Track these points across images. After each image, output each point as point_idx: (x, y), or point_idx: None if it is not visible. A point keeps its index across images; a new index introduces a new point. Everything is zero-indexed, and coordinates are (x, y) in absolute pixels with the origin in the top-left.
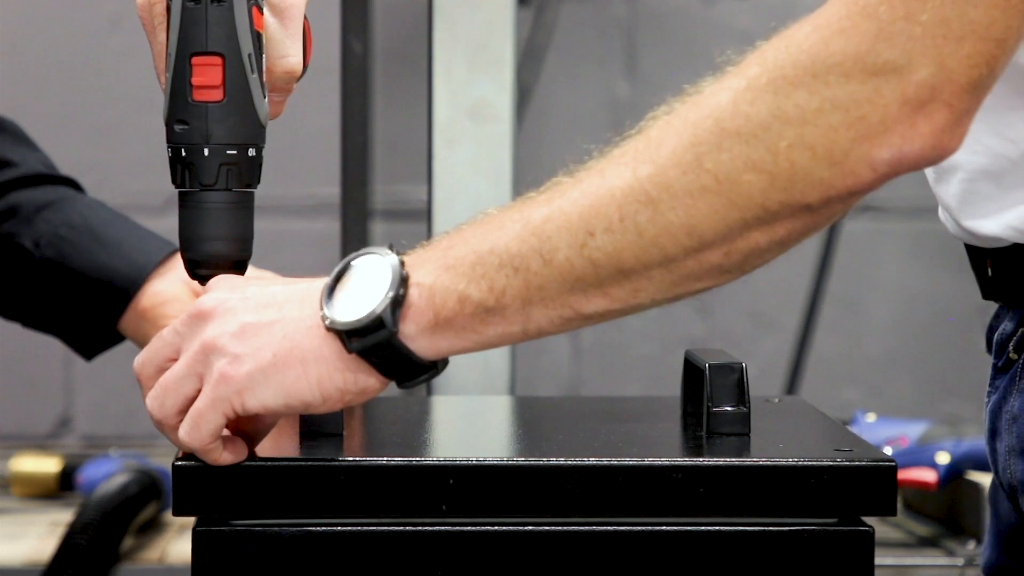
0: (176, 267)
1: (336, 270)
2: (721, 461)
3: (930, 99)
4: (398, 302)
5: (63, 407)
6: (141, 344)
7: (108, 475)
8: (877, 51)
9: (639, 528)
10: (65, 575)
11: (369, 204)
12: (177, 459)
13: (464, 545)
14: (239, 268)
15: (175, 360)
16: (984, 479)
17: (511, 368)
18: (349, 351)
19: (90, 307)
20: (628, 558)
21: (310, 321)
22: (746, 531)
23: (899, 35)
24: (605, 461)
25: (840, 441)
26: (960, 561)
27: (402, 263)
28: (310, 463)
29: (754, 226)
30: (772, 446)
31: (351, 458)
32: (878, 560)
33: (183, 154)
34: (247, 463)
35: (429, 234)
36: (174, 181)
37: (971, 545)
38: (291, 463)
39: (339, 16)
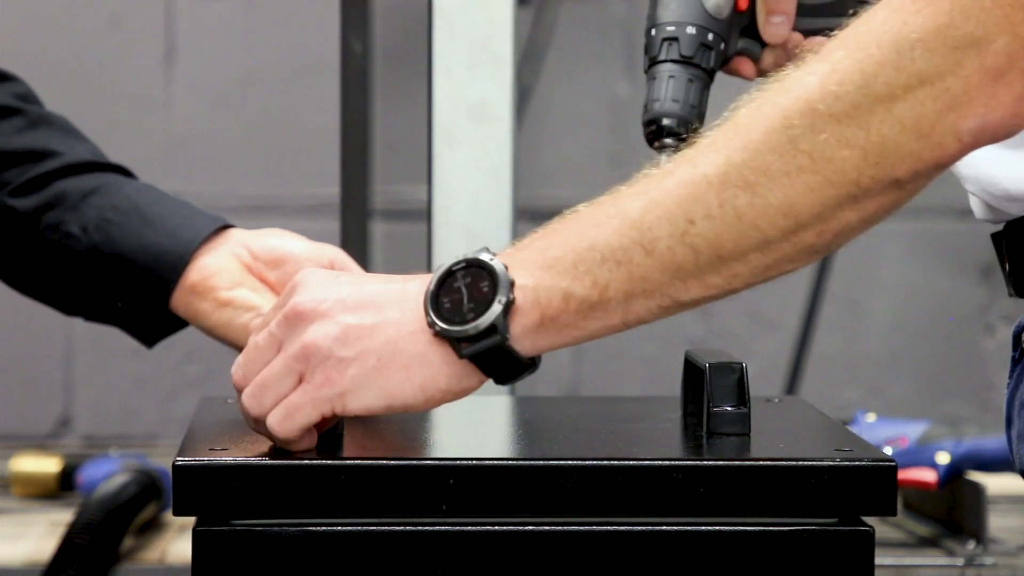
0: (225, 242)
1: (439, 275)
2: (721, 461)
3: (1008, 67)
4: (508, 308)
5: (63, 407)
6: (197, 321)
7: (108, 475)
8: (955, 24)
9: (639, 528)
10: (65, 575)
11: (369, 204)
12: (177, 459)
13: (464, 545)
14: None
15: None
16: (984, 479)
17: None
18: (460, 356)
19: (141, 288)
20: (628, 558)
21: (413, 326)
22: (746, 531)
23: (973, 8)
24: (605, 461)
25: (840, 441)
26: (960, 561)
27: (507, 268)
28: (310, 463)
29: (847, 204)
30: (772, 446)
31: (351, 458)
32: (878, 560)
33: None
34: (247, 463)
35: (429, 234)
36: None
37: (971, 545)
38: (291, 463)
39: (339, 16)
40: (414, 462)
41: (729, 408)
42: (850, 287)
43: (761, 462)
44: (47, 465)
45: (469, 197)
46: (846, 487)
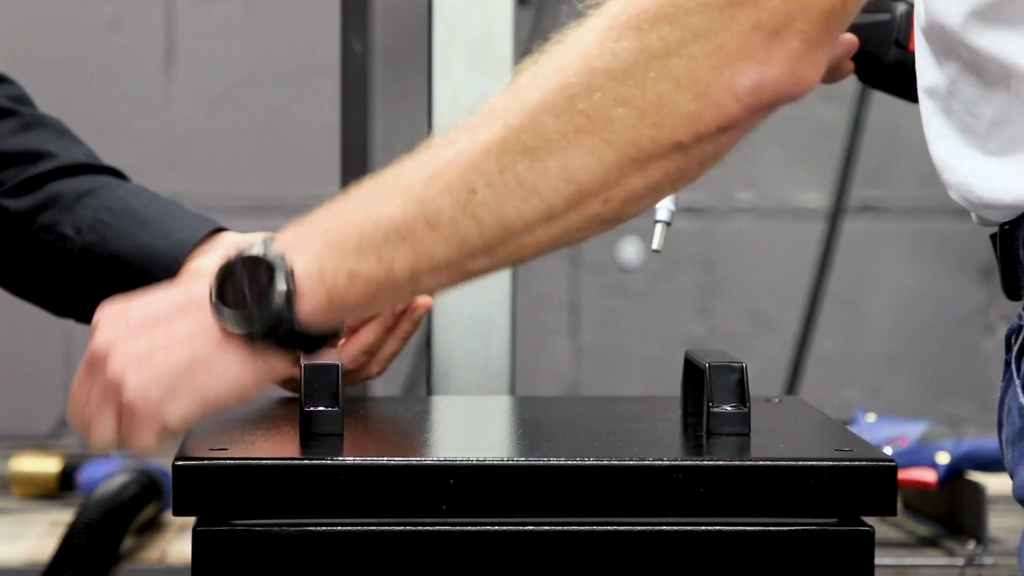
0: (218, 245)
1: (218, 273)
2: (721, 461)
3: (784, 26)
4: (291, 296)
5: (63, 407)
6: None
7: (108, 475)
8: None
9: (639, 528)
10: (65, 575)
11: None
12: (177, 459)
13: (464, 545)
14: None
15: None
16: (984, 479)
17: (511, 368)
18: (256, 348)
19: (135, 288)
20: (628, 558)
21: (205, 330)
22: (746, 531)
23: None
24: (605, 461)
25: (840, 441)
26: (960, 561)
27: (283, 257)
28: (310, 463)
29: (630, 169)
30: (772, 446)
31: (351, 458)
32: (878, 560)
33: None
34: (247, 463)
35: None
36: None
37: (971, 545)
38: (291, 463)
39: (339, 16)
40: (414, 462)
41: (729, 408)
42: (850, 287)
43: (761, 462)
44: (47, 465)
45: None
46: (846, 487)
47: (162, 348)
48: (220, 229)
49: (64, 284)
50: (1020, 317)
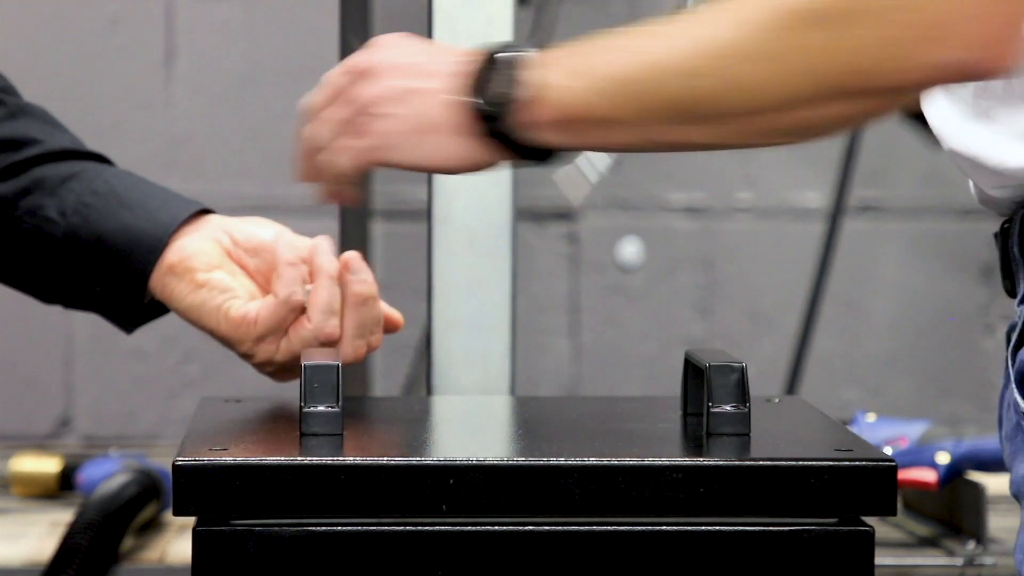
0: (204, 226)
1: (483, 57)
2: (721, 461)
3: None
4: (529, 97)
5: (63, 407)
6: (171, 302)
7: (108, 475)
8: None
9: (639, 528)
10: (65, 575)
11: (369, 204)
12: (177, 459)
13: (464, 545)
14: None
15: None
16: (984, 479)
17: (511, 368)
18: (483, 133)
19: (120, 271)
20: (628, 558)
21: (450, 97)
22: (746, 531)
23: None
24: (605, 461)
25: (840, 441)
26: (960, 561)
27: (533, 58)
28: (310, 463)
29: (809, 98)
30: (772, 446)
31: (351, 458)
32: (878, 560)
33: None
34: (247, 463)
35: (429, 234)
36: None
37: (971, 545)
38: (291, 463)
39: (339, 16)
40: (414, 462)
41: (729, 408)
42: (850, 287)
43: (761, 462)
44: (47, 465)
45: (469, 197)
46: (846, 487)
47: (411, 94)
48: (205, 211)
49: (49, 269)
50: (1018, 314)
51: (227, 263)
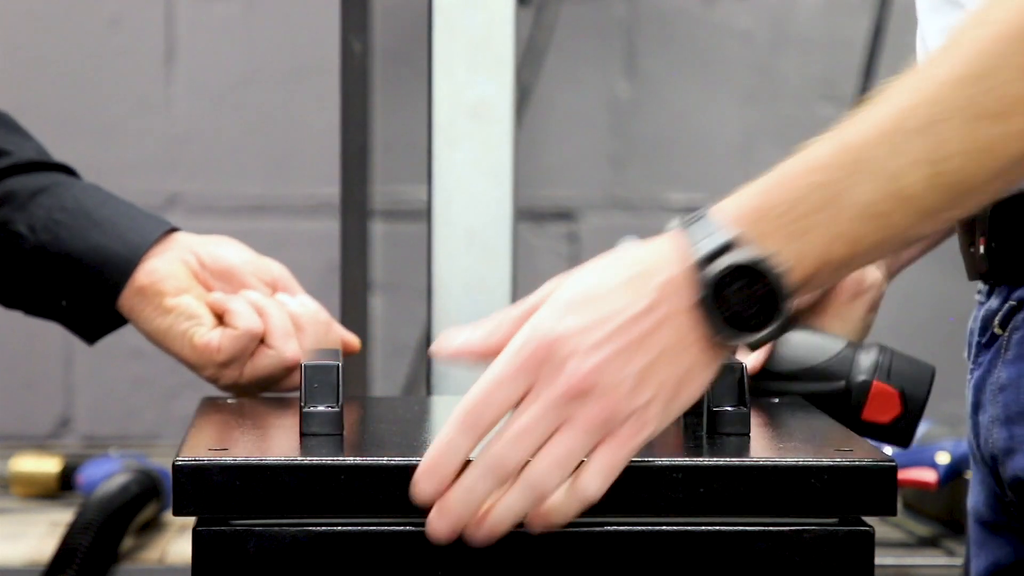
0: (173, 246)
1: (707, 285)
2: (721, 461)
3: None
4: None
5: (63, 407)
6: (138, 323)
7: (108, 475)
8: None
9: (639, 528)
10: (65, 575)
11: (369, 204)
12: (177, 459)
13: (464, 545)
14: None
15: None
16: None
17: None
18: (749, 347)
19: (88, 289)
20: (628, 558)
21: (689, 341)
22: (746, 531)
23: None
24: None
25: (840, 441)
26: (960, 561)
27: (776, 263)
28: (310, 463)
29: None
30: (772, 446)
31: (351, 458)
32: (878, 560)
33: None
34: (247, 463)
35: (429, 234)
36: None
37: None
38: (291, 463)
39: (339, 16)
40: (414, 462)
41: (729, 408)
42: None
43: (761, 462)
44: (47, 465)
45: (469, 197)
46: (846, 487)
47: (653, 367)
48: (173, 229)
49: (15, 278)
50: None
51: (195, 286)
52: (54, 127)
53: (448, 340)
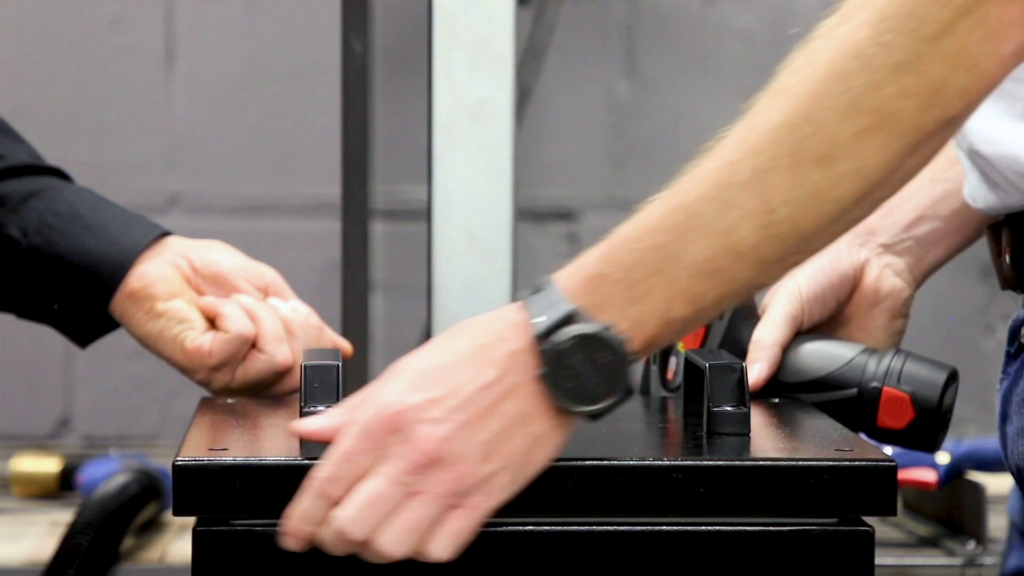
0: (165, 250)
1: (548, 358)
2: (721, 461)
3: None
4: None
5: (63, 407)
6: (130, 327)
7: (108, 475)
8: None
9: (639, 528)
10: (65, 575)
11: (369, 204)
12: (177, 459)
13: (466, 546)
14: None
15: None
16: (984, 479)
17: None
18: (591, 417)
19: (80, 293)
20: (628, 558)
21: (538, 411)
22: (746, 531)
23: None
24: (605, 462)
25: (840, 441)
26: (960, 561)
27: (618, 332)
28: (310, 463)
29: (910, 153)
30: (772, 446)
31: None
32: (878, 560)
33: None
34: (247, 463)
35: (429, 234)
36: None
37: (971, 545)
38: (291, 463)
39: (339, 16)
40: None
41: (729, 408)
42: None
43: (761, 462)
44: (47, 465)
45: (469, 197)
46: (846, 487)
47: (501, 434)
48: (165, 234)
49: (7, 282)
50: None
51: (187, 291)
52: (54, 127)
53: (299, 424)
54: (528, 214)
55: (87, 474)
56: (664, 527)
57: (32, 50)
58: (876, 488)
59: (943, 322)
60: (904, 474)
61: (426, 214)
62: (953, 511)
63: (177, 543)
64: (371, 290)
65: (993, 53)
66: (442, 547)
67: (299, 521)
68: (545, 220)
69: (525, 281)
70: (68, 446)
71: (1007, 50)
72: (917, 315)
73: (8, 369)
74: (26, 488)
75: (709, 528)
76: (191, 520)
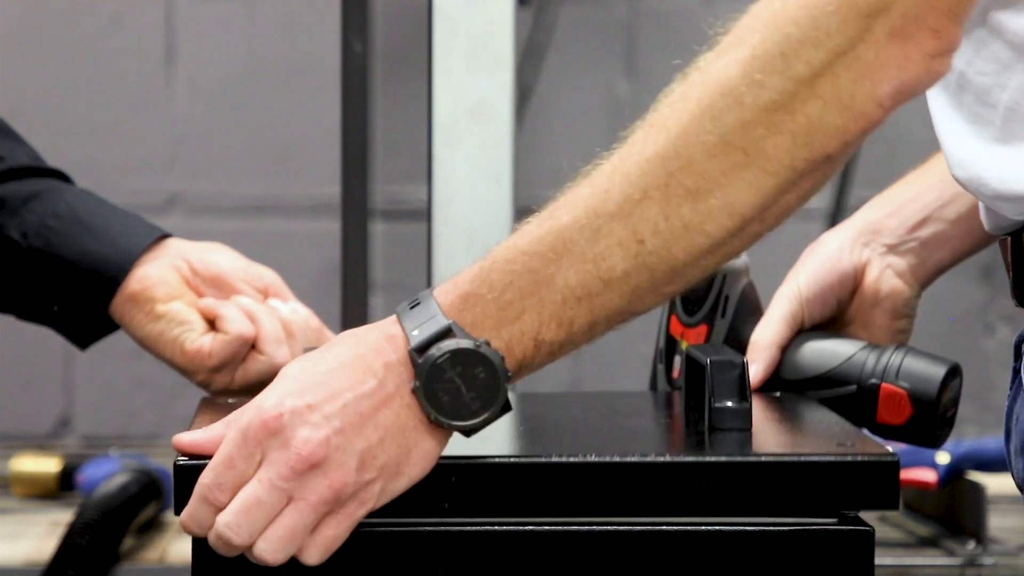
0: (165, 252)
1: (425, 371)
2: (723, 458)
3: (916, 28)
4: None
5: (63, 407)
6: (129, 329)
7: (108, 475)
8: None
9: (639, 528)
10: (65, 575)
11: (369, 204)
12: (178, 459)
13: (465, 545)
14: None
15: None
16: (984, 479)
17: None
18: (465, 432)
19: (80, 295)
20: (628, 558)
21: (412, 423)
22: (746, 531)
23: None
24: (607, 458)
25: (842, 435)
26: (960, 561)
27: (493, 348)
28: None
29: (786, 189)
30: (774, 442)
31: None
32: (878, 560)
33: None
34: None
35: (429, 234)
36: None
37: (971, 545)
38: None
39: (339, 16)
40: None
41: (731, 404)
42: None
43: (763, 458)
44: (47, 465)
45: (469, 197)
46: (848, 482)
47: (377, 443)
48: (165, 235)
49: (7, 283)
50: None
51: (187, 293)
52: (54, 127)
53: (182, 437)
54: (528, 214)
55: (87, 474)
56: (664, 527)
57: (32, 50)
58: (878, 482)
59: (943, 322)
60: (904, 474)
61: (426, 214)
62: (953, 511)
63: (177, 543)
64: (371, 290)
65: (869, 95)
66: (315, 554)
67: (189, 523)
68: None
69: None
70: (68, 446)
71: (883, 92)
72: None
73: (8, 369)
74: (26, 488)
75: (709, 528)
76: None
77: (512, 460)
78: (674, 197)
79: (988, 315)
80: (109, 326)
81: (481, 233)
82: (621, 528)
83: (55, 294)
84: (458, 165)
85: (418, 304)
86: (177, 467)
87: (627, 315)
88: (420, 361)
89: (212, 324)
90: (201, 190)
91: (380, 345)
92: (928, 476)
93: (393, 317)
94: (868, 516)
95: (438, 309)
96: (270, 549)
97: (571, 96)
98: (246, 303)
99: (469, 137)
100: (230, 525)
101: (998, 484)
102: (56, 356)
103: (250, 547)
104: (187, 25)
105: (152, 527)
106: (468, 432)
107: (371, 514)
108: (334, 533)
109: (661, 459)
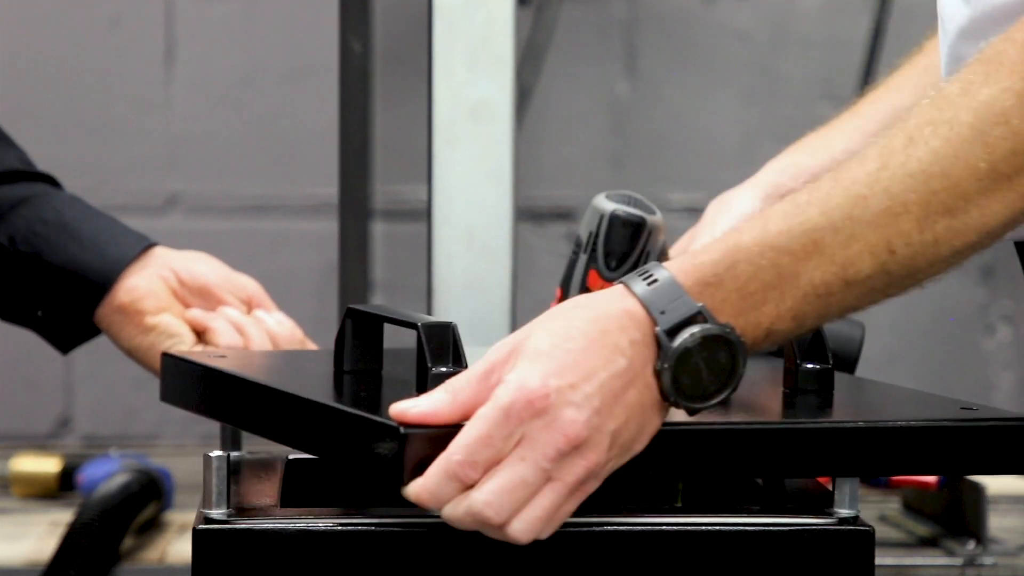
0: (151, 262)
1: (675, 355)
2: (860, 423)
3: None
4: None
5: (63, 407)
6: (118, 340)
7: (108, 475)
8: None
9: (639, 528)
10: (65, 575)
11: (369, 204)
12: (407, 429)
13: (465, 545)
14: None
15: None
16: (984, 479)
17: None
18: (691, 412)
19: (65, 302)
20: (628, 558)
21: (653, 401)
22: (746, 530)
23: None
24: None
25: (947, 404)
26: (960, 561)
27: (744, 342)
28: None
29: None
30: (897, 409)
31: None
32: (878, 560)
33: None
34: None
35: (429, 234)
36: None
37: (971, 545)
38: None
39: (339, 16)
40: None
41: (816, 366)
42: None
43: (900, 423)
44: (47, 465)
45: (469, 197)
46: (979, 446)
47: (624, 423)
48: (152, 245)
49: None
50: None
51: (174, 304)
52: (54, 127)
53: (405, 408)
54: (528, 214)
55: (87, 474)
56: (664, 527)
57: (32, 50)
58: (1007, 447)
59: (943, 322)
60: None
61: (426, 214)
62: (953, 511)
63: (177, 543)
64: (370, 290)
65: None
66: (549, 530)
67: (425, 496)
68: (545, 220)
69: (525, 281)
70: (68, 446)
71: None
72: (917, 315)
73: (8, 369)
74: (26, 488)
75: (709, 527)
76: (191, 520)
77: None
78: (932, 214)
79: (988, 315)
80: (91, 331)
81: (481, 233)
82: (621, 528)
83: (40, 299)
84: (458, 165)
85: (655, 280)
86: (409, 437)
87: (851, 312)
88: (671, 344)
89: (200, 335)
90: (201, 190)
91: (624, 322)
92: (928, 476)
93: (621, 289)
94: (868, 516)
95: (683, 291)
96: (525, 529)
97: (571, 96)
98: (234, 315)
99: (469, 137)
100: (491, 504)
101: (998, 484)
102: (56, 356)
103: (503, 526)
104: (187, 25)
105: (152, 527)
106: (695, 412)
107: (371, 514)
108: (570, 509)
109: (823, 424)
